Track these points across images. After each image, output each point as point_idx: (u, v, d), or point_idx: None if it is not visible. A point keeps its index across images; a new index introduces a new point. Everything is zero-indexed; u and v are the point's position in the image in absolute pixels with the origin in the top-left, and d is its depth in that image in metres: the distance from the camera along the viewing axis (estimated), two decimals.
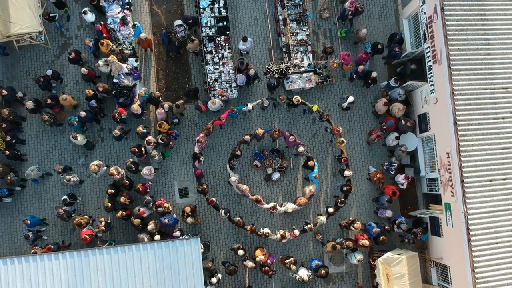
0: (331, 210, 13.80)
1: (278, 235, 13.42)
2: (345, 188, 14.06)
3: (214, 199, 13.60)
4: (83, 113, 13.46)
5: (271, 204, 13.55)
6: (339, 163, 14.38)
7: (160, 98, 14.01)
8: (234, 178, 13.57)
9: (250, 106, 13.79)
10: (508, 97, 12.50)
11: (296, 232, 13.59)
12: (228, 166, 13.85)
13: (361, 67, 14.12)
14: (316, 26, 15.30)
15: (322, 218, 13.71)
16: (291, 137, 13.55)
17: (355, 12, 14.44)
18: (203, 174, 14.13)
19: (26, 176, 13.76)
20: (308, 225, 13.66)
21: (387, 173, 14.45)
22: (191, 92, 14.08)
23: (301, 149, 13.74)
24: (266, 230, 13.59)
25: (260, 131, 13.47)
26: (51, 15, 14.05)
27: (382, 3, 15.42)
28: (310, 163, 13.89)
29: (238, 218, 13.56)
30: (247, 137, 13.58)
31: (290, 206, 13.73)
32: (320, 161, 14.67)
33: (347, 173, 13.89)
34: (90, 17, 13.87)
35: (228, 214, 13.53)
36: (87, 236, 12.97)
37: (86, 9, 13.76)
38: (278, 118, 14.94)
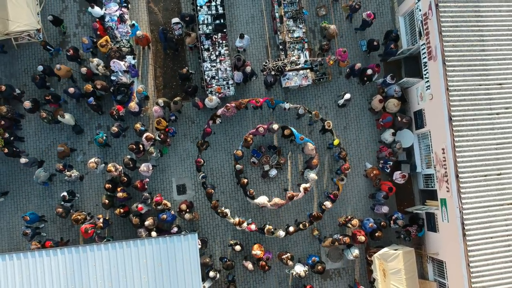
0: (291, 229, 13.80)
1: (236, 220, 13.59)
2: (314, 214, 14.00)
3: (202, 160, 13.85)
4: (71, 90, 13.52)
5: (302, 190, 13.79)
6: (327, 196, 14.35)
7: (190, 71, 14.21)
8: (262, 200, 13.72)
9: (287, 105, 14.05)
10: (502, 93, 12.61)
11: (253, 226, 13.72)
12: (248, 198, 14.02)
13: (358, 64, 14.22)
14: (313, 24, 15.41)
15: (280, 233, 13.71)
16: (260, 128, 13.61)
17: (353, 10, 14.59)
18: (211, 134, 14.32)
19: (35, 179, 13.85)
20: (268, 227, 13.72)
21: (383, 170, 14.56)
22: (190, 88, 14.18)
23: (275, 126, 13.70)
24: (226, 210, 13.74)
25: (238, 152, 13.61)
26: (48, 46, 14.11)
27: (378, 1, 15.53)
28: (286, 131, 13.91)
29: (211, 190, 13.72)
30: (238, 166, 13.77)
31: (313, 175, 13.94)
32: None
33: (328, 204, 13.93)
34: (98, 10, 13.88)
35: (204, 179, 13.78)
36: (89, 229, 13.08)
37: (92, 3, 13.82)
38: (275, 116, 15.03)
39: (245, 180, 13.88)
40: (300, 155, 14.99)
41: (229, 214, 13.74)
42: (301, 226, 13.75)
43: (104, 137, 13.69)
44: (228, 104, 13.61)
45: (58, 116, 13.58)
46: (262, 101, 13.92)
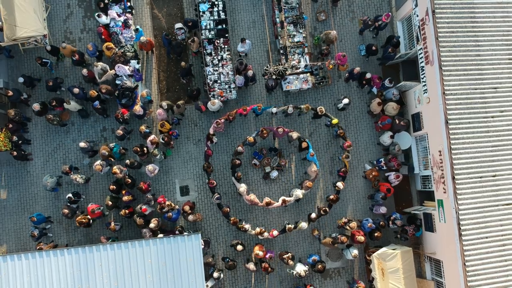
0: (313, 216, 14.21)
1: (257, 230, 13.93)
2: (331, 197, 14.36)
3: (214, 181, 14.11)
4: (76, 90, 13.85)
5: (280, 200, 14.03)
6: (337, 174, 14.78)
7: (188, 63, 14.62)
8: (242, 188, 14.03)
9: (274, 109, 14.29)
10: (497, 97, 12.92)
11: (275, 232, 14.08)
12: (233, 178, 14.30)
13: (357, 68, 14.55)
14: (313, 28, 15.74)
15: (303, 224, 14.09)
16: (279, 129, 13.97)
17: (366, 25, 14.99)
18: (212, 155, 14.61)
19: (44, 187, 14.20)
20: (288, 225, 14.07)
21: (380, 169, 14.85)
22: (194, 92, 14.52)
23: (294, 135, 14.15)
24: (247, 226, 14.09)
25: (250, 139, 13.95)
26: (44, 60, 14.36)
27: (376, 6, 15.87)
28: (303, 144, 14.30)
29: (227, 208, 14.01)
30: (240, 148, 14.05)
31: (299, 193, 14.20)
32: (317, 159, 15.06)
33: (340, 184, 14.30)
34: (104, 19, 14.24)
35: (219, 201, 14.05)
36: (95, 209, 13.55)
37: (100, 12, 14.16)
38: (276, 118, 15.36)
39: (238, 161, 14.12)
40: (301, 157, 15.32)
41: (250, 228, 14.10)
42: (321, 212, 14.12)
43: (121, 148, 14.06)
44: (218, 120, 13.97)
45: (64, 103, 13.94)
46: (249, 109, 14.25)
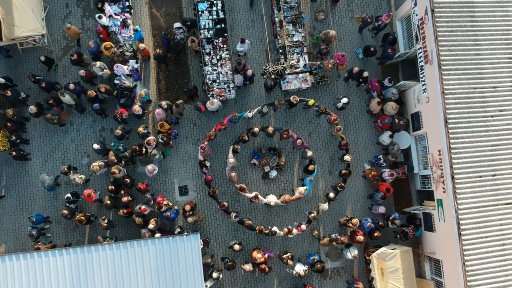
0: (331, 195, 14.26)
1: (285, 229, 13.90)
2: (343, 171, 14.39)
3: (226, 203, 13.96)
4: (72, 86, 13.83)
5: (253, 194, 14.01)
6: (339, 149, 14.81)
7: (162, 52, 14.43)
8: (232, 160, 14.01)
9: (250, 114, 14.20)
10: (496, 96, 12.90)
11: (303, 226, 14.08)
12: (231, 148, 14.20)
13: (356, 68, 14.53)
14: (312, 28, 15.72)
15: (324, 206, 14.18)
16: (299, 140, 14.00)
17: (365, 23, 14.95)
18: (212, 179, 14.53)
19: (41, 184, 14.15)
20: (312, 214, 14.14)
21: (378, 166, 14.81)
22: (192, 91, 14.50)
23: (309, 153, 14.21)
24: (275, 228, 13.99)
25: (270, 129, 13.98)
26: (37, 78, 14.27)
27: (376, 5, 15.84)
28: (311, 167, 14.29)
29: (249, 221, 13.89)
30: (256, 129, 14.01)
31: (272, 200, 14.16)
32: (316, 159, 15.06)
33: (347, 157, 14.33)
34: (105, 21, 14.20)
35: (238, 218, 13.95)
36: (92, 193, 13.57)
37: (100, 14, 14.11)
38: (275, 117, 15.34)
39: (246, 138, 14.12)
40: (299, 157, 15.29)
41: (278, 230, 14.03)
42: (338, 188, 14.22)
43: (121, 146, 14.02)
44: (202, 144, 13.92)
45: (59, 94, 13.85)
46: (226, 121, 14.25)
